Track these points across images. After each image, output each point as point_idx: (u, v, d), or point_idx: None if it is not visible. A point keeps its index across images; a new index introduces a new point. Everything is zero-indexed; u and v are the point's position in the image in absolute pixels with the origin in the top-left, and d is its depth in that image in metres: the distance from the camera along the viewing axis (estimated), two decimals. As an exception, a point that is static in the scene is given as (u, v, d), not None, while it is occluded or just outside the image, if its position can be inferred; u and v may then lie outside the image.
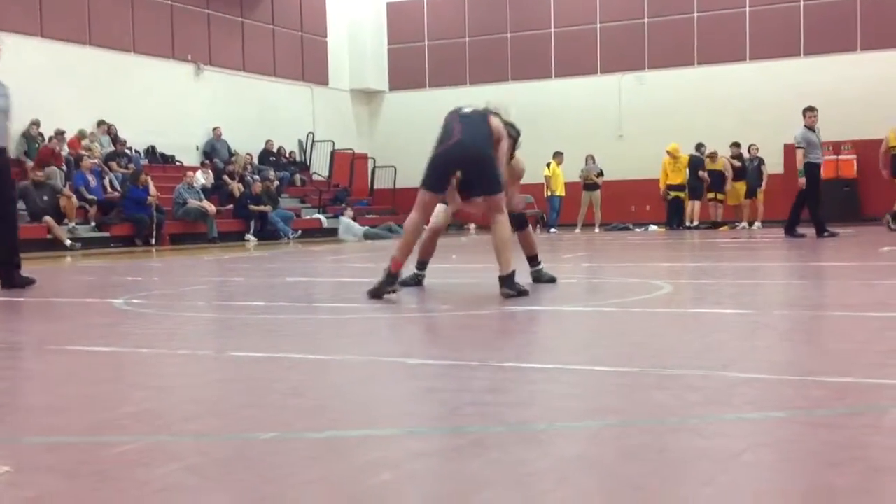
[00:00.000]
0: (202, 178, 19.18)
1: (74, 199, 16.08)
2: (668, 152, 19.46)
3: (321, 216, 21.18)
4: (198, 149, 20.92)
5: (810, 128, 13.54)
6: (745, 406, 2.71)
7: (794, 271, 8.32)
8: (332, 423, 2.64)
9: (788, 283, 6.90)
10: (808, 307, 5.37)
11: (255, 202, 19.06)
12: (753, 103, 21.03)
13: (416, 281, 6.74)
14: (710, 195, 19.66)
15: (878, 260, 9.01)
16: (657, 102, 22.10)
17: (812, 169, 13.45)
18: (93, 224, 16.55)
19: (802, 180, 13.37)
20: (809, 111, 13.67)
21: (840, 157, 19.88)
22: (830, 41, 20.72)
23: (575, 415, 2.68)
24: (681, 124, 20.97)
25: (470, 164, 5.99)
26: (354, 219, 20.28)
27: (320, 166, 24.06)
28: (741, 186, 19.57)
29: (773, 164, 20.06)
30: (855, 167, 19.76)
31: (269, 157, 22.27)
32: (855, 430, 2.37)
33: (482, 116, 6.11)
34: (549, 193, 20.37)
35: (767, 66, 21.29)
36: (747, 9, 21.73)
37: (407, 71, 25.41)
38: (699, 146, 19.50)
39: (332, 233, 20.06)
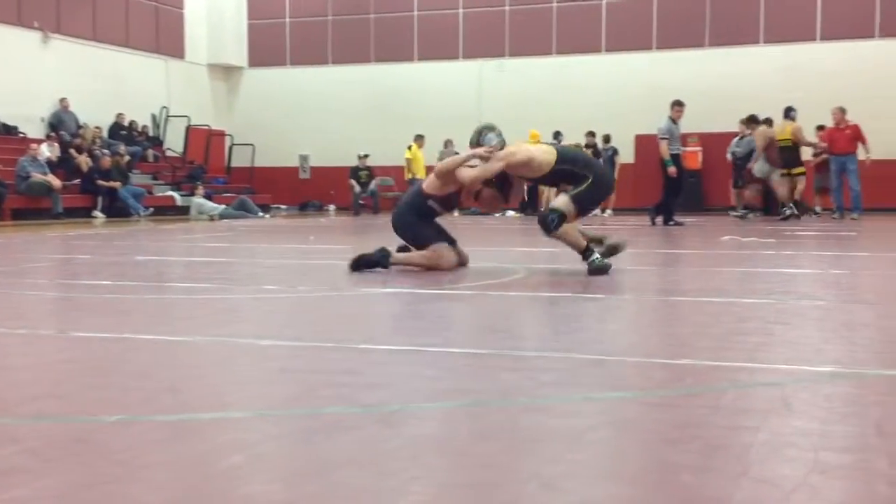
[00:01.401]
0: (47, 151, 18.31)
1: None
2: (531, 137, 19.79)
3: (175, 194, 20.58)
4: (43, 120, 19.94)
5: (674, 121, 14.07)
6: (592, 387, 2.81)
7: (641, 258, 8.63)
8: (182, 406, 2.59)
9: (635, 269, 7.14)
10: (653, 292, 5.59)
11: (104, 177, 18.34)
12: (608, 94, 21.63)
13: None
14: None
15: (719, 248, 9.44)
16: (517, 89, 22.45)
17: (675, 160, 14.00)
18: (-74, 196, 15.60)
19: (672, 169, 13.85)
20: (677, 105, 14.18)
21: (686, 149, 20.70)
22: (681, 37, 21.51)
23: (429, 395, 2.71)
24: (539, 112, 21.34)
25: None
26: (209, 197, 19.80)
27: (174, 142, 23.36)
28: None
29: (625, 155, 20.73)
30: (700, 159, 20.60)
31: (120, 130, 21.46)
32: (693, 410, 2.49)
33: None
34: (410, 176, 20.46)
35: (622, 58, 21.92)
36: (604, 1, 22.32)
37: (267, 47, 24.93)
38: (556, 134, 19.95)
39: (186, 211, 19.53)
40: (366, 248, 6.48)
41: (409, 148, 20.41)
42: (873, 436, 2.22)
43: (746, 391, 2.73)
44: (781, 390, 2.69)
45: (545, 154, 6.39)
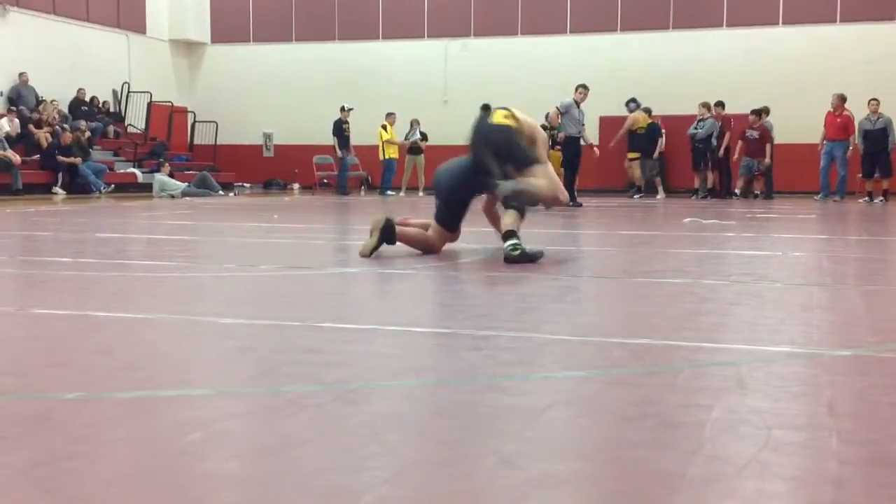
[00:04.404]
0: (7, 126, 18.04)
1: None
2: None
3: (136, 170, 20.37)
4: (2, 95, 19.64)
5: (576, 102, 14.55)
6: (551, 365, 2.84)
7: (602, 239, 8.70)
8: (141, 383, 2.58)
9: (597, 249, 7.20)
10: (613, 273, 5.63)
11: (65, 153, 18.11)
12: (572, 75, 21.63)
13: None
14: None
15: (680, 230, 9.53)
16: (482, 69, 22.42)
17: (571, 141, 14.49)
18: None
19: (562, 135, 14.83)
20: (582, 88, 14.91)
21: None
22: (645, 19, 21.57)
23: (390, 374, 2.72)
24: (504, 92, 21.30)
25: None
26: (172, 175, 19.61)
27: (136, 118, 23.10)
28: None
29: (590, 136, 20.76)
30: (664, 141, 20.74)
31: (81, 106, 21.17)
32: (650, 389, 2.52)
33: None
34: (388, 157, 20.29)
35: (586, 39, 21.96)
36: (570, -18, 22.32)
37: (230, 23, 24.67)
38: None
39: (147, 188, 19.32)
40: (329, 227, 6.45)
41: (385, 128, 20.18)
42: (825, 415, 2.27)
43: (702, 370, 2.77)
44: (736, 369, 2.74)
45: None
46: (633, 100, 18.92)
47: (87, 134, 19.57)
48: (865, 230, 9.84)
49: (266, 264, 5.88)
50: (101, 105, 22.14)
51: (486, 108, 6.42)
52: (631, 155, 18.70)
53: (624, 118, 19.11)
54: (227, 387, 2.58)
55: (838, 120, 16.69)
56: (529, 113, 6.59)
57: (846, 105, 16.97)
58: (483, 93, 21.69)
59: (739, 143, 17.97)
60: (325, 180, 21.45)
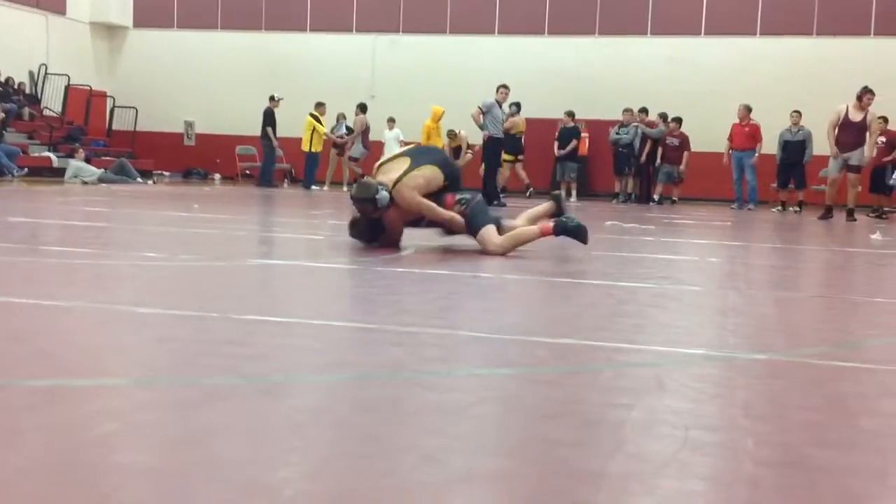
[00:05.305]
0: (-86, 104, 17.37)
1: None
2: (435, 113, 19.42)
3: (51, 154, 19.79)
4: (-90, 71, 18.90)
5: (498, 102, 14.75)
6: (475, 363, 2.84)
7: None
8: (54, 372, 2.50)
9: (520, 250, 7.24)
10: (537, 273, 5.67)
11: (-24, 134, 17.51)
12: (499, 76, 21.75)
13: None
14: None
15: (601, 233, 9.65)
16: (410, 66, 22.37)
17: (492, 141, 14.63)
18: None
19: (485, 133, 14.65)
20: (504, 88, 15.02)
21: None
22: (572, 23, 21.81)
23: (312, 368, 2.69)
24: (430, 89, 21.35)
25: None
26: (88, 160, 19.10)
27: (53, 101, 22.46)
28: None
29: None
30: (586, 145, 20.99)
31: (-5, 86, 20.51)
32: (572, 388, 2.54)
33: None
34: (312, 150, 19.71)
35: (514, 41, 22.11)
36: (498, -15, 22.43)
37: (153, 8, 24.16)
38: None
39: (62, 173, 18.80)
40: (252, 218, 6.37)
41: (317, 119, 19.67)
42: (741, 416, 2.32)
43: (623, 370, 2.81)
44: (655, 370, 2.78)
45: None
46: (516, 104, 18.77)
47: (1, 116, 18.96)
48: (779, 238, 10.10)
49: (186, 254, 5.77)
50: (16, 86, 21.48)
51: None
52: (506, 157, 17.89)
53: (547, 120, 19.29)
54: (144, 377, 2.52)
55: (746, 129, 17.10)
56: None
57: (752, 115, 17.39)
58: (410, 89, 21.71)
59: (660, 149, 18.27)
60: (248, 171, 21.11)
